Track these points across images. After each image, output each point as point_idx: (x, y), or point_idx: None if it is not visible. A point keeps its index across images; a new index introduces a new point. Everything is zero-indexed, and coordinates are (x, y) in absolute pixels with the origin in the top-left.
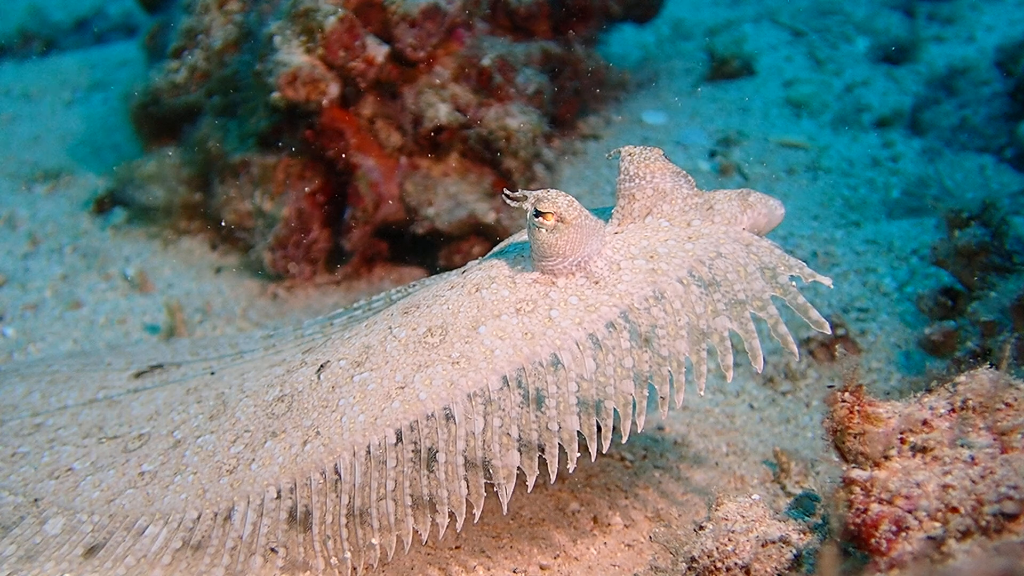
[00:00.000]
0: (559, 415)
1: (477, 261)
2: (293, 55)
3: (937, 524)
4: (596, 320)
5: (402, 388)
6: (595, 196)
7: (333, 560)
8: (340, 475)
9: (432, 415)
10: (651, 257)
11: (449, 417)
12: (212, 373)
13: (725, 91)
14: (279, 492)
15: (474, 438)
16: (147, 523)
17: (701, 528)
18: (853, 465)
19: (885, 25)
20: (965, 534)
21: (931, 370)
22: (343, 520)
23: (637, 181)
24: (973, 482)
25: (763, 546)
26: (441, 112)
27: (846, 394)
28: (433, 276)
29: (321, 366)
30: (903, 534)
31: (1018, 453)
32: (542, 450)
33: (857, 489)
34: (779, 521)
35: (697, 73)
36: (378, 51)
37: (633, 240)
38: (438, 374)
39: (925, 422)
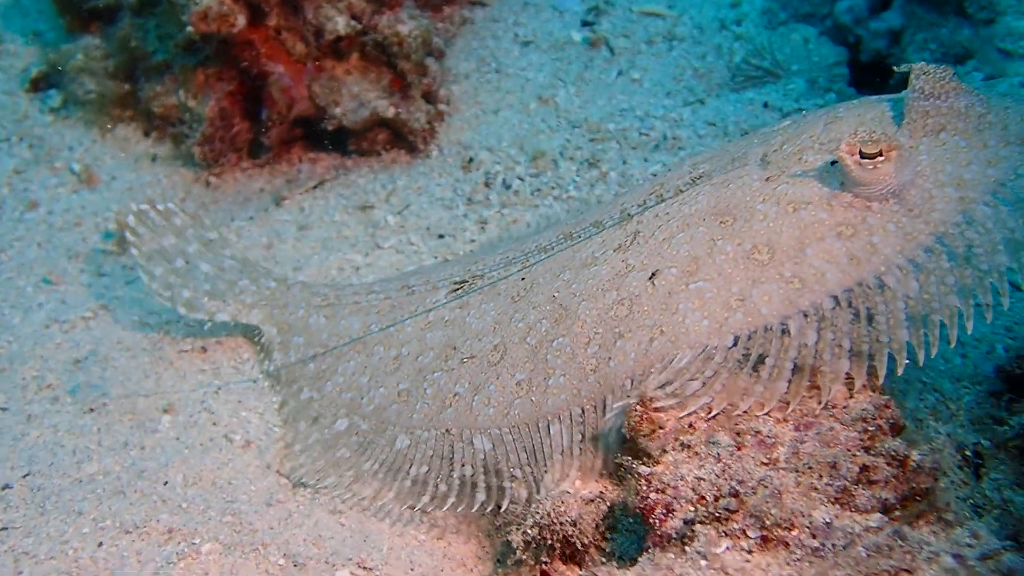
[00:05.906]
0: (890, 329)
1: (775, 149)
2: None
3: (692, 508)
4: (915, 247)
5: (742, 300)
6: (482, 73)
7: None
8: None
9: (770, 327)
10: (959, 185)
11: (785, 331)
12: (523, 279)
13: None
14: (632, 380)
15: (806, 348)
16: (547, 423)
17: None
18: (641, 462)
19: None
20: (707, 519)
21: None
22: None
23: (932, 100)
24: (717, 476)
25: (586, 504)
26: (339, 24)
27: (638, 406)
28: (704, 155)
29: (653, 273)
30: (671, 515)
31: (747, 451)
32: (871, 358)
33: (643, 481)
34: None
35: None
36: None
37: (939, 166)
38: (775, 291)
39: (691, 425)
